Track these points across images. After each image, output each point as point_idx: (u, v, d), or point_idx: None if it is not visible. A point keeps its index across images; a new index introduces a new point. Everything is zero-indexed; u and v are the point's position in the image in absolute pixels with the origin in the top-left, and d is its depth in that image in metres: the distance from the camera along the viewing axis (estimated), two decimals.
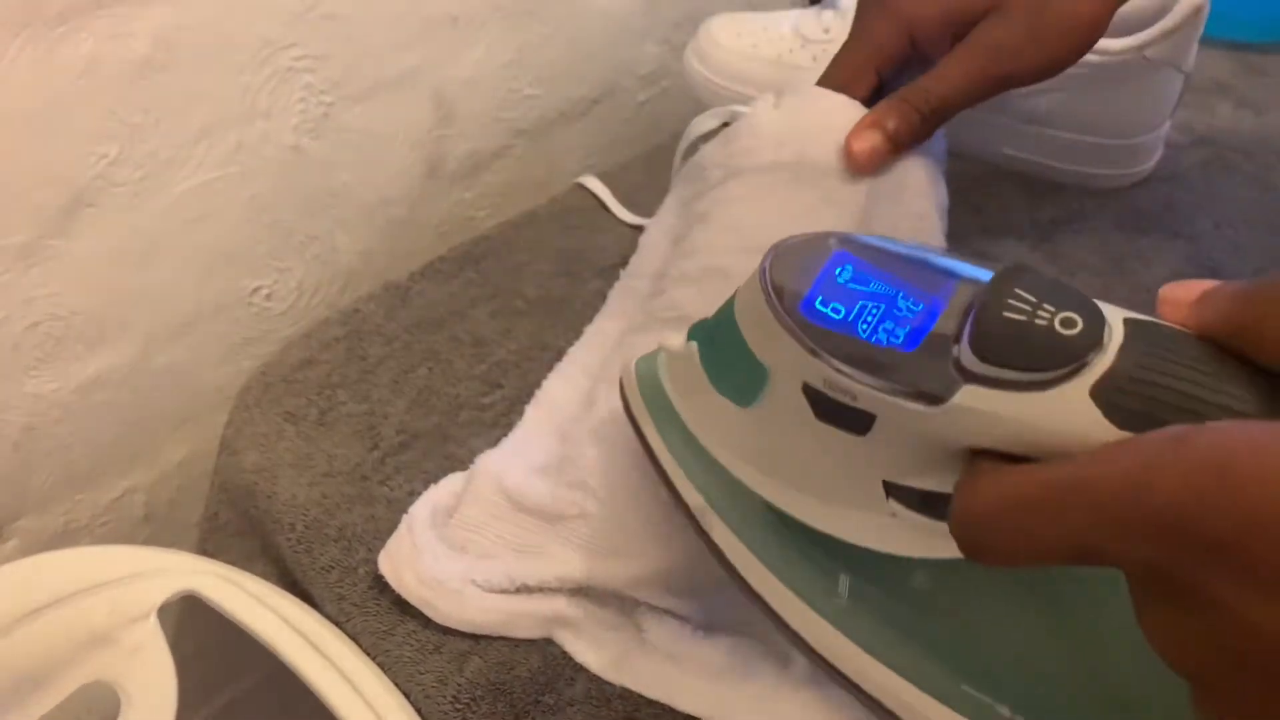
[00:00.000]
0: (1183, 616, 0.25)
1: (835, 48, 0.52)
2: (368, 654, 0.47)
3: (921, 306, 0.31)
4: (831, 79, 0.50)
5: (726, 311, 0.38)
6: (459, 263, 0.65)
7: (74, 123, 0.53)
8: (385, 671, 0.47)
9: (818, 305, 0.32)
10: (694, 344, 0.40)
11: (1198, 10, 0.61)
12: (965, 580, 0.34)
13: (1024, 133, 0.66)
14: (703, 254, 0.50)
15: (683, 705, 0.45)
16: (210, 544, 0.59)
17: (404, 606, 0.47)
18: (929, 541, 0.34)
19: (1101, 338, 0.27)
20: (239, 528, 0.56)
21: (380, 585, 0.48)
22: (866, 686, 0.37)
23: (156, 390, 0.63)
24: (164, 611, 0.49)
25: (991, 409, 0.28)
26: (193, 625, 0.50)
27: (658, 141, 0.76)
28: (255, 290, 0.65)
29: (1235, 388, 0.26)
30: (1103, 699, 0.33)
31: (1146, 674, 0.28)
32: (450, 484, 0.51)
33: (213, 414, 0.65)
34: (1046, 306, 0.28)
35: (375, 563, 0.49)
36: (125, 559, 0.51)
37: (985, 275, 0.31)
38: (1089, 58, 0.62)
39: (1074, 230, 0.65)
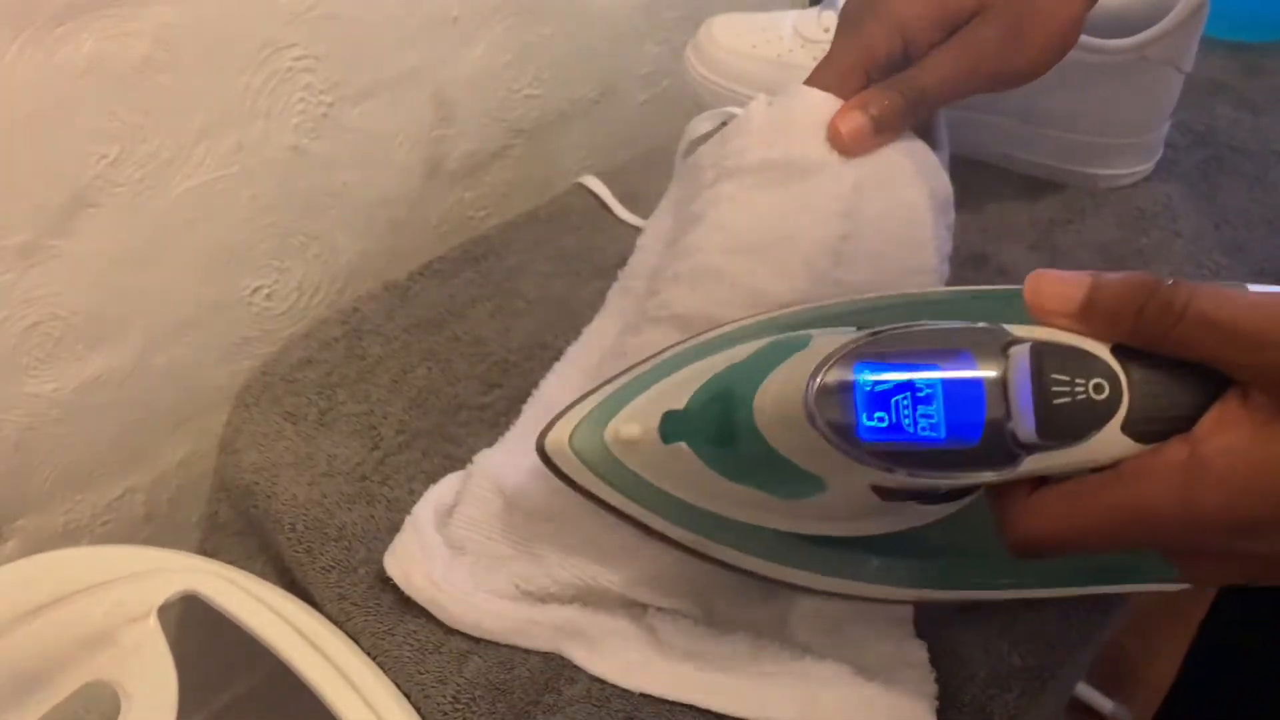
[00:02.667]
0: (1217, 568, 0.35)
1: None
2: (368, 653, 0.47)
3: (949, 385, 0.35)
4: (821, 79, 0.50)
5: (744, 425, 0.39)
6: (459, 263, 0.65)
7: (74, 123, 0.53)
8: (385, 671, 0.47)
9: (865, 423, 0.35)
10: (681, 445, 0.42)
11: (1197, 10, 0.61)
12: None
13: (1024, 133, 0.66)
14: (695, 254, 0.50)
15: (709, 703, 0.45)
16: (210, 543, 0.59)
17: (404, 606, 0.47)
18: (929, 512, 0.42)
19: (1122, 391, 0.34)
20: (239, 527, 0.57)
21: (380, 585, 0.49)
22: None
23: (157, 390, 0.63)
24: (164, 611, 0.49)
25: (1050, 463, 0.34)
26: (193, 625, 0.50)
27: (658, 141, 0.76)
28: (255, 290, 0.65)
29: (1194, 384, 0.33)
30: None
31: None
32: (450, 483, 0.51)
33: (213, 414, 0.65)
34: (1079, 381, 0.34)
35: (375, 562, 0.49)
36: (125, 559, 0.51)
37: (992, 334, 0.35)
38: (1088, 57, 0.62)
39: (1074, 230, 0.65)
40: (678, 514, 0.44)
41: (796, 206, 0.49)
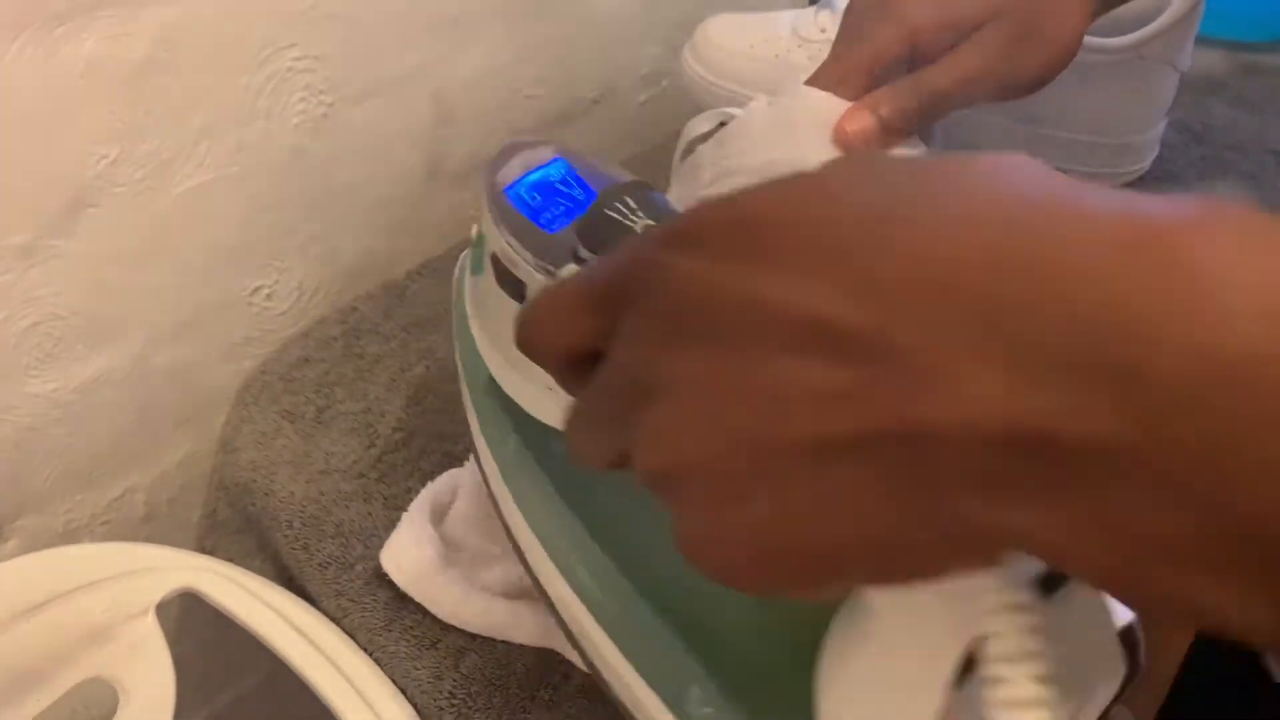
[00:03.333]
0: (633, 339, 0.24)
1: None
2: (364, 649, 0.47)
3: (579, 190, 0.39)
4: (825, 78, 0.50)
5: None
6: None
7: (75, 123, 0.53)
8: (382, 667, 0.47)
9: (519, 191, 0.40)
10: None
11: (1193, 9, 0.61)
12: None
13: (1021, 132, 0.66)
14: None
15: None
16: (209, 541, 0.59)
17: (400, 602, 0.48)
18: None
19: None
20: (237, 525, 0.57)
21: (377, 581, 0.49)
22: (507, 522, 0.42)
23: (157, 390, 0.64)
24: (162, 608, 0.49)
25: None
26: (191, 622, 0.51)
27: (657, 141, 0.76)
28: (256, 290, 0.66)
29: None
30: None
31: None
32: (447, 481, 0.51)
33: (213, 413, 0.65)
34: (639, 214, 0.35)
35: (373, 559, 0.49)
36: (124, 556, 0.51)
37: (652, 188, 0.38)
38: (1086, 57, 0.62)
39: None
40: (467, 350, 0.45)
41: None
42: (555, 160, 0.42)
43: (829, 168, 0.23)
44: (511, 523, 0.41)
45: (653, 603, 0.37)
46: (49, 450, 0.60)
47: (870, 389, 0.20)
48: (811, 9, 0.70)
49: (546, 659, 0.46)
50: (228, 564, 0.51)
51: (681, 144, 0.56)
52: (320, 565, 0.50)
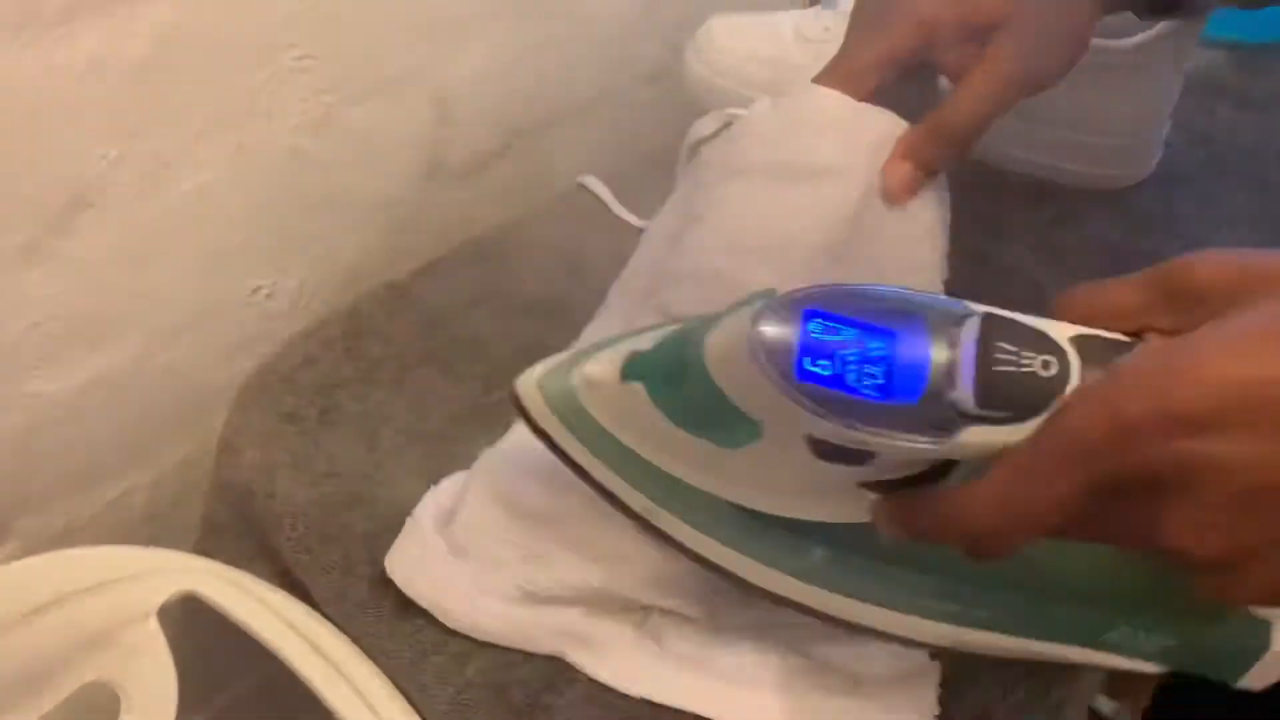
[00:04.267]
0: (1193, 507, 0.29)
1: (834, 48, 0.52)
2: (368, 654, 0.47)
3: (897, 347, 0.35)
4: (837, 74, 0.50)
5: (693, 362, 0.39)
6: (459, 263, 0.65)
7: (75, 123, 0.53)
8: (385, 671, 0.47)
9: (807, 366, 0.35)
10: (638, 385, 0.41)
11: None
12: None
13: (1024, 133, 0.66)
14: (695, 254, 0.50)
15: (709, 711, 0.45)
16: (209, 544, 0.59)
17: (405, 607, 0.47)
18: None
19: (1070, 370, 0.32)
20: (238, 528, 0.56)
21: (381, 585, 0.48)
22: (853, 619, 0.43)
23: (157, 390, 0.63)
24: (164, 612, 0.49)
25: (989, 440, 0.33)
26: (192, 625, 0.50)
27: (658, 141, 0.76)
28: (256, 290, 0.66)
29: None
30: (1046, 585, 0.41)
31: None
32: (452, 484, 0.51)
33: (214, 414, 0.65)
34: (1027, 354, 0.33)
35: (376, 563, 0.49)
36: (125, 559, 0.51)
37: (951, 306, 0.35)
38: (1090, 58, 0.62)
39: (1074, 230, 0.65)
40: (630, 470, 0.43)
41: (802, 208, 0.48)
42: (809, 314, 0.36)
43: None
44: (852, 614, 0.42)
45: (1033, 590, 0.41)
46: (49, 450, 0.60)
47: None
48: (814, 9, 0.69)
49: (551, 665, 0.46)
50: (230, 567, 0.51)
51: (686, 146, 0.56)
52: (323, 569, 0.50)
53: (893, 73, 0.49)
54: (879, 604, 0.42)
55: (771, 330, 0.35)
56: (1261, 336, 0.28)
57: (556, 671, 0.46)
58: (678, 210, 0.56)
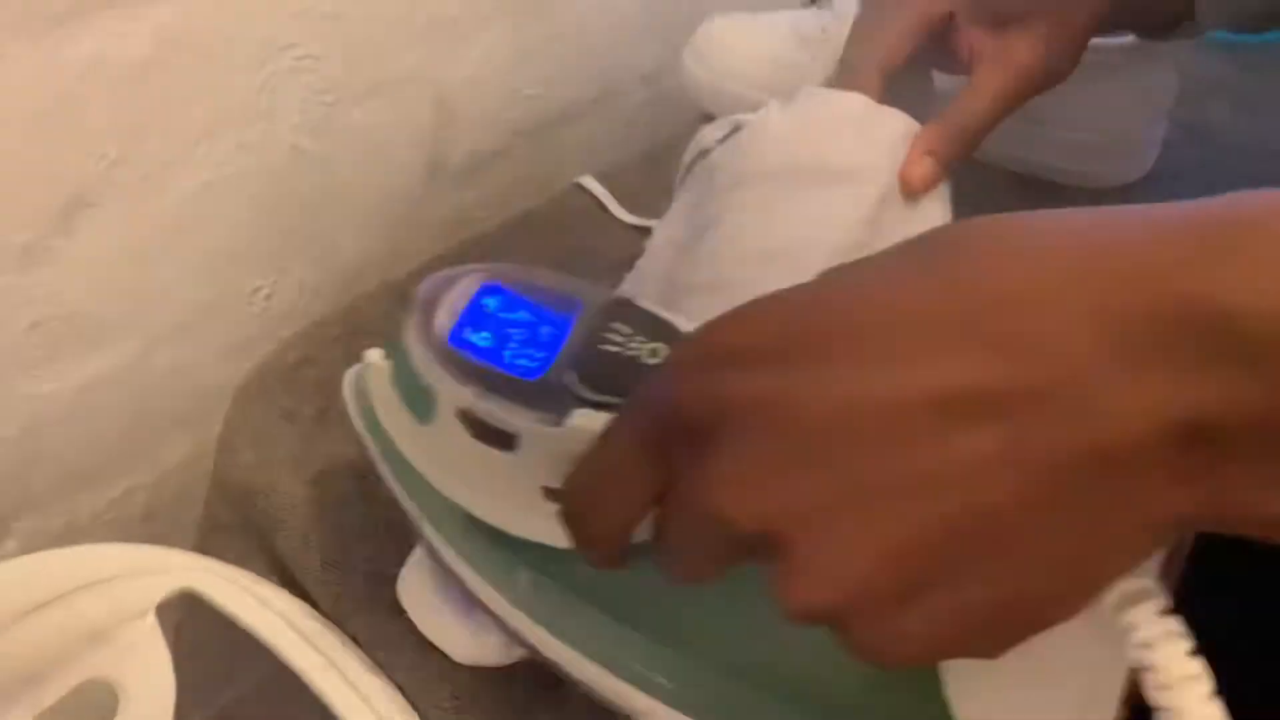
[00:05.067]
0: (729, 457, 0.23)
1: (832, 48, 0.53)
2: (366, 652, 0.47)
3: (551, 333, 0.35)
4: (846, 77, 0.50)
5: (404, 334, 0.39)
6: (459, 263, 0.65)
7: (75, 123, 0.53)
8: (383, 668, 0.47)
9: (465, 336, 0.36)
10: (389, 362, 0.41)
11: None
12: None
13: (1022, 132, 0.66)
14: (711, 263, 0.50)
15: None
16: (208, 542, 0.59)
17: (401, 604, 0.48)
18: None
19: None
20: (237, 526, 0.57)
21: (378, 582, 0.49)
22: (552, 658, 0.40)
23: (157, 390, 0.63)
24: (162, 609, 0.49)
25: (597, 426, 0.30)
26: (191, 623, 0.50)
27: (658, 141, 0.76)
28: (256, 290, 0.66)
29: None
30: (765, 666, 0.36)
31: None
32: None
33: (214, 413, 0.65)
34: (637, 341, 0.33)
35: (373, 560, 0.49)
36: (123, 556, 0.51)
37: (605, 294, 0.36)
38: (1088, 56, 0.62)
39: None
40: (401, 473, 0.42)
41: (818, 212, 0.48)
42: (485, 288, 0.38)
43: (846, 271, 0.24)
44: (561, 659, 0.39)
45: (743, 677, 0.36)
46: (49, 450, 0.60)
47: (1043, 431, 0.20)
48: (812, 9, 0.70)
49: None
50: (229, 565, 0.51)
51: (690, 153, 0.56)
52: (321, 566, 0.50)
53: (901, 68, 0.50)
54: (588, 655, 0.39)
55: (432, 291, 0.37)
56: (814, 283, 0.24)
57: (555, 669, 0.46)
58: (688, 218, 0.55)
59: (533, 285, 0.38)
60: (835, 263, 0.46)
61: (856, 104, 0.49)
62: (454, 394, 0.35)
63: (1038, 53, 0.49)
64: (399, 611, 0.48)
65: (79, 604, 0.48)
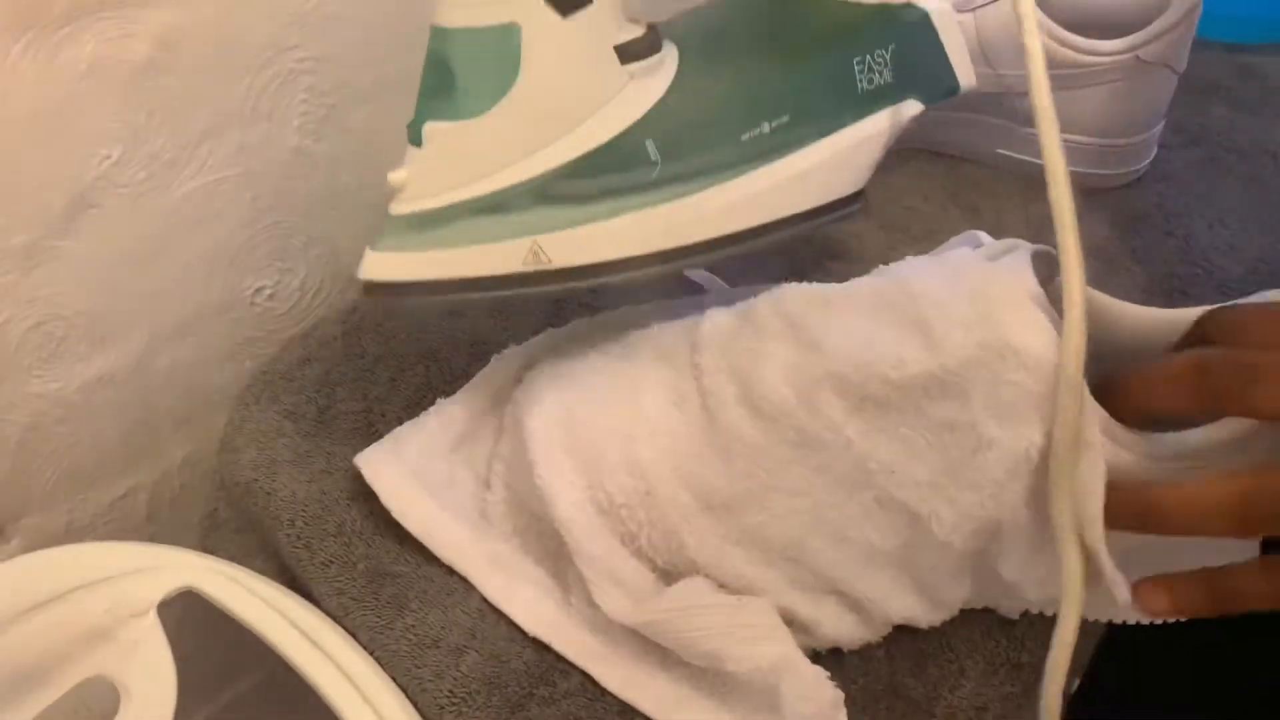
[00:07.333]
0: None
1: None
2: (365, 648, 0.48)
3: None
4: None
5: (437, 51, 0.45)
6: None
7: (77, 124, 0.53)
8: (383, 666, 0.47)
9: None
10: (430, 124, 0.46)
11: (1190, 11, 0.61)
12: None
13: (1019, 133, 0.66)
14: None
15: (598, 674, 0.45)
16: (210, 541, 0.59)
17: (401, 602, 0.48)
18: None
19: None
20: (239, 524, 0.57)
21: (379, 581, 0.49)
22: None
23: (159, 390, 0.64)
24: (164, 607, 0.49)
25: None
26: (192, 621, 0.51)
27: None
28: (258, 290, 0.66)
29: None
30: None
31: None
32: (482, 402, 0.53)
33: (215, 414, 0.66)
34: None
35: (374, 559, 0.49)
36: (125, 555, 0.51)
37: None
38: (1082, 58, 0.62)
39: None
40: (484, 227, 0.44)
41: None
42: None
43: None
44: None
45: None
46: (51, 450, 0.60)
47: None
48: None
49: (544, 658, 0.46)
50: (230, 563, 0.51)
51: None
52: (322, 564, 0.50)
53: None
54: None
55: None
56: None
57: (550, 664, 0.46)
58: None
59: None
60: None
61: (1026, 280, 0.43)
62: None
63: None
64: (398, 608, 0.48)
65: (81, 602, 0.48)
